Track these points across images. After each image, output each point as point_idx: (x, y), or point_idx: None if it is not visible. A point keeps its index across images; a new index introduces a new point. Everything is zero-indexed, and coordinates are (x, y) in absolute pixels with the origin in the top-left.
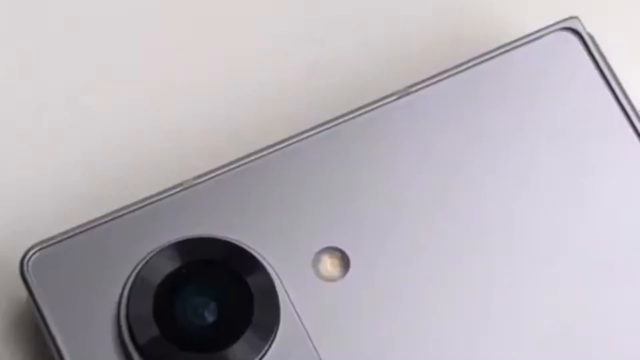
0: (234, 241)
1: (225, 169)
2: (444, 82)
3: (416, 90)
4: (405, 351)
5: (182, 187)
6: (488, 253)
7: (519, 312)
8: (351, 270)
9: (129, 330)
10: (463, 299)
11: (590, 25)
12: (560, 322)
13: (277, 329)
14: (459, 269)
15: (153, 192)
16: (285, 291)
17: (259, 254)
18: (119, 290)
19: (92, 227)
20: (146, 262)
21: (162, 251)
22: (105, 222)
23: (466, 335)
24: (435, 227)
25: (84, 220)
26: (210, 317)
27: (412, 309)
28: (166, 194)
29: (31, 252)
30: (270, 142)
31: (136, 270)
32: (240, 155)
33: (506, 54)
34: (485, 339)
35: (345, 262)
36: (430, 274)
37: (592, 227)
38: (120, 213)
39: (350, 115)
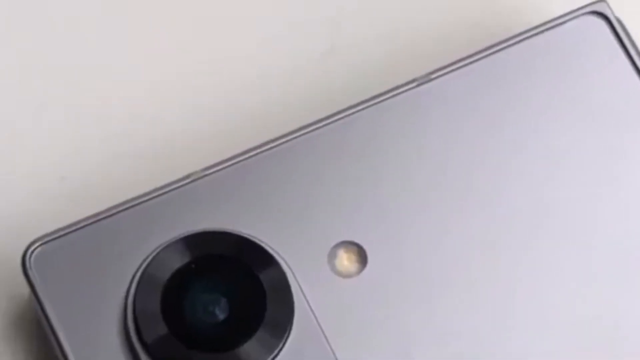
0: (245, 235)
1: (237, 159)
2: (467, 68)
3: (438, 77)
4: (425, 351)
5: (191, 179)
6: (515, 246)
7: (546, 304)
8: (369, 265)
9: (135, 329)
10: (488, 295)
11: (619, 9)
12: (590, 314)
13: (290, 327)
14: (484, 263)
15: (160, 184)
16: (300, 287)
17: (272, 248)
18: (126, 287)
19: (97, 221)
20: (154, 257)
21: (170, 245)
22: (111, 215)
23: (491, 334)
24: (459, 219)
25: (88, 214)
26: (220, 315)
27: (433, 306)
28: (174, 186)
29: (33, 247)
30: (284, 131)
31: (143, 266)
32: (252, 145)
33: (531, 39)
34: (511, 337)
35: (362, 257)
36: (453, 269)
37: (623, 214)
38: (127, 206)
39: (369, 103)
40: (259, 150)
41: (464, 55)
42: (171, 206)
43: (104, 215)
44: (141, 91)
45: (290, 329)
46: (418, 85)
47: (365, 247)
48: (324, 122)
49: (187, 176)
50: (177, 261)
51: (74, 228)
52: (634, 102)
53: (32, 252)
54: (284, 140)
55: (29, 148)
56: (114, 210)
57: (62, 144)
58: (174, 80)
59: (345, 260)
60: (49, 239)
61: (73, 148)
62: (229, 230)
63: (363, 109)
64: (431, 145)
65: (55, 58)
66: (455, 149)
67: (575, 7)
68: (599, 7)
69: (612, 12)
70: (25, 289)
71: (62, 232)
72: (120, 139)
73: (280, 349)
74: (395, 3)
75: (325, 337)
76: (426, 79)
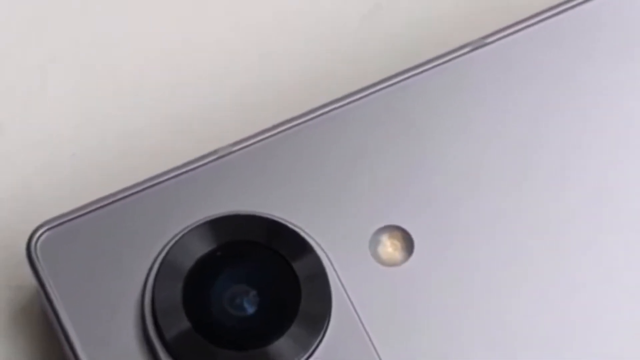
0: (277, 219)
1: (269, 133)
2: (524, 32)
3: (492, 42)
4: (476, 349)
5: (217, 156)
6: (579, 235)
7: (610, 302)
8: (415, 253)
9: (154, 324)
10: (546, 290)
11: None
12: None
13: (328, 321)
14: (544, 254)
15: (183, 161)
16: (338, 277)
17: (307, 233)
18: (143, 277)
19: (111, 203)
20: (175, 244)
21: (193, 230)
22: (127, 196)
23: (549, 333)
24: (517, 202)
25: (101, 195)
26: (249, 308)
27: (484, 298)
28: (198, 164)
29: (39, 232)
30: (322, 102)
31: (163, 253)
32: (286, 117)
33: (591, 1)
34: (570, 336)
35: (408, 243)
36: (510, 259)
37: None
38: (144, 186)
39: (416, 71)
40: (293, 124)
41: (522, 17)
42: (194, 186)
43: (118, 197)
44: (161, 59)
45: (327, 324)
46: (471, 51)
47: (411, 232)
48: (365, 92)
49: (213, 152)
50: (201, 248)
51: (85, 211)
52: None
53: (38, 238)
54: (320, 112)
55: (35, 121)
56: (130, 191)
57: (72, 117)
58: (198, 46)
59: (389, 247)
60: (57, 223)
61: (84, 121)
62: (258, 214)
63: (410, 77)
64: (485, 117)
65: (65, 24)
66: (512, 122)
67: None
68: None
69: None
70: (30, 280)
71: (72, 216)
72: (136, 112)
73: (317, 347)
74: None
75: (367, 332)
76: (480, 43)
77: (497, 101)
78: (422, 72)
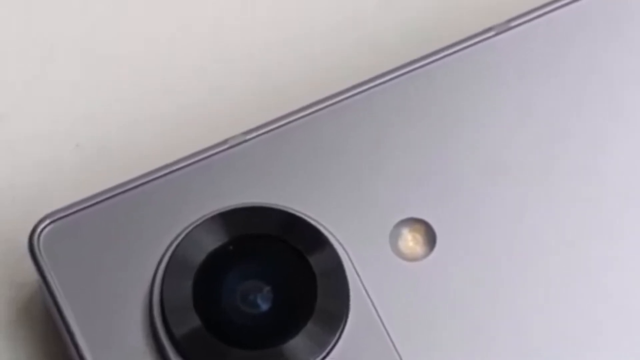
0: (292, 211)
1: (282, 122)
2: (549, 15)
3: (518, 25)
4: (499, 348)
5: (229, 145)
6: (610, 230)
7: (638, 297)
8: (437, 247)
9: (163, 321)
10: (575, 288)
11: None
12: None
13: (345, 319)
14: (573, 250)
15: (192, 151)
16: (357, 272)
17: (323, 226)
18: (151, 272)
19: (117, 194)
20: (184, 237)
21: (204, 223)
22: (133, 188)
23: (576, 333)
24: (543, 191)
25: (107, 186)
26: (263, 305)
27: (510, 295)
28: (209, 153)
29: (42, 225)
30: (337, 89)
31: (172, 247)
32: (300, 104)
33: None
34: (598, 337)
35: (430, 237)
36: (537, 255)
37: None
38: (152, 177)
39: (437, 56)
40: (308, 111)
41: (547, 0)
42: (205, 177)
43: (125, 189)
44: (166, 45)
45: (344, 322)
46: (495, 35)
47: (433, 225)
48: (385, 78)
49: (224, 141)
50: (212, 242)
51: (90, 203)
52: None
53: (41, 231)
54: (338, 99)
55: (38, 109)
56: (137, 182)
57: (76, 105)
58: (208, 29)
59: (411, 241)
60: (60, 216)
61: (88, 111)
62: (272, 206)
63: (431, 62)
64: (511, 104)
65: (68, 14)
66: (538, 109)
67: None
68: None
69: None
70: (32, 276)
71: (76, 208)
72: (143, 100)
73: (333, 346)
74: None
75: (387, 331)
76: (504, 27)
77: (522, 87)
78: (444, 56)
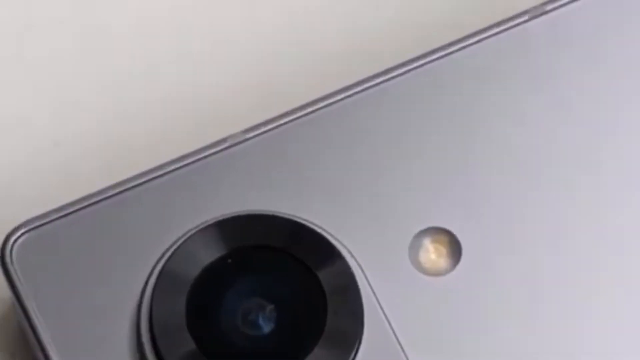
0: (299, 220)
1: (288, 118)
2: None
3: (554, 9)
4: None
5: (228, 144)
6: None
7: None
8: (463, 260)
9: (152, 343)
10: (607, 306)
11: None
12: None
13: (359, 341)
14: (609, 265)
15: (186, 151)
16: (372, 289)
17: (334, 237)
18: (140, 287)
19: (101, 200)
20: (177, 249)
21: (199, 233)
22: (119, 192)
23: (607, 348)
24: (580, 198)
25: (89, 191)
26: (265, 326)
27: (542, 314)
28: (205, 154)
29: (16, 235)
30: (347, 83)
31: (163, 260)
32: (307, 100)
33: None
34: (631, 350)
35: (454, 249)
36: (571, 267)
37: None
38: (141, 180)
39: (463, 43)
40: (316, 107)
41: None
42: (201, 180)
43: (109, 194)
44: (159, 26)
45: (358, 344)
46: (529, 20)
47: (458, 235)
48: (404, 69)
49: (223, 140)
50: (209, 254)
51: (70, 210)
52: None
53: (15, 241)
54: (348, 93)
55: (13, 105)
56: (124, 187)
57: (55, 101)
58: (209, 20)
59: (433, 254)
60: (36, 225)
61: (69, 106)
62: (276, 213)
63: (455, 51)
64: (547, 97)
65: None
66: (576, 103)
67: None
68: None
69: None
70: (5, 291)
71: (54, 216)
72: (130, 95)
73: None
74: None
75: (405, 354)
76: (539, 11)
77: (559, 78)
78: (469, 44)
